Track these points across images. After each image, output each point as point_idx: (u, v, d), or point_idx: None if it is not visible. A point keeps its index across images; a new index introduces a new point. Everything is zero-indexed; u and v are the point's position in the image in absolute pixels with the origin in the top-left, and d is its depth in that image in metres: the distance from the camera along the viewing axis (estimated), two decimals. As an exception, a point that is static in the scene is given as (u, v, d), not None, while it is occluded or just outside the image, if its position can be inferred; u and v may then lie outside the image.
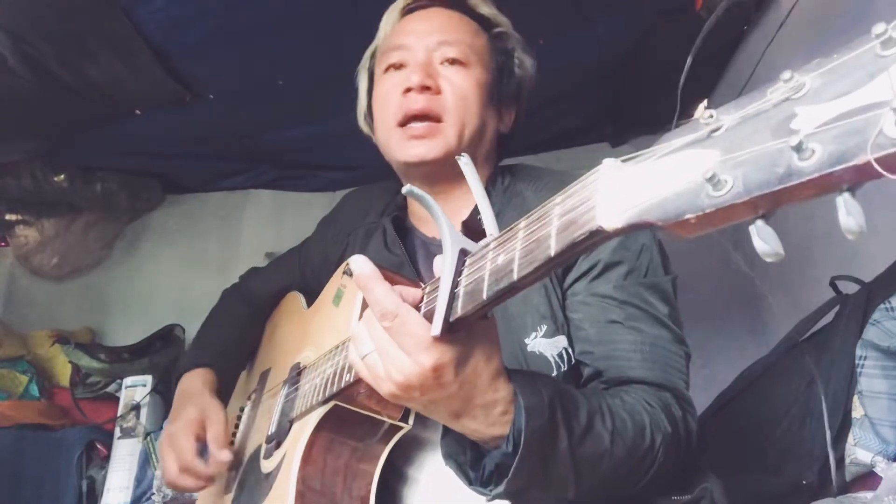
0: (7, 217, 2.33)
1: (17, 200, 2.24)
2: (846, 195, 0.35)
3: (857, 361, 1.18)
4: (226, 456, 1.06)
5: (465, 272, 0.62)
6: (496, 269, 0.57)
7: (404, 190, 0.67)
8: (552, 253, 0.51)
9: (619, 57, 1.87)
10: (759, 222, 0.38)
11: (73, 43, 1.47)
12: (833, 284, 1.31)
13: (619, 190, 0.46)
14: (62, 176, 2.17)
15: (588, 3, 1.60)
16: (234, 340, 1.33)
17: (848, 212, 0.35)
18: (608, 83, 2.04)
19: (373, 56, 1.17)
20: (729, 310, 2.16)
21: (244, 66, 1.67)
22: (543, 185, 1.07)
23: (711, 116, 0.42)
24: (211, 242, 2.65)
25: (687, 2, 1.64)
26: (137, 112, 1.78)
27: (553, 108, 2.03)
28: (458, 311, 0.60)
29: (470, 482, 0.73)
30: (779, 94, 0.38)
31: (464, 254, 0.63)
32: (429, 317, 0.64)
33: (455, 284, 0.61)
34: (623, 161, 0.48)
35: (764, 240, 0.38)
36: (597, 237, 0.47)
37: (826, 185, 0.35)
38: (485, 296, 0.57)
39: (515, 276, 0.54)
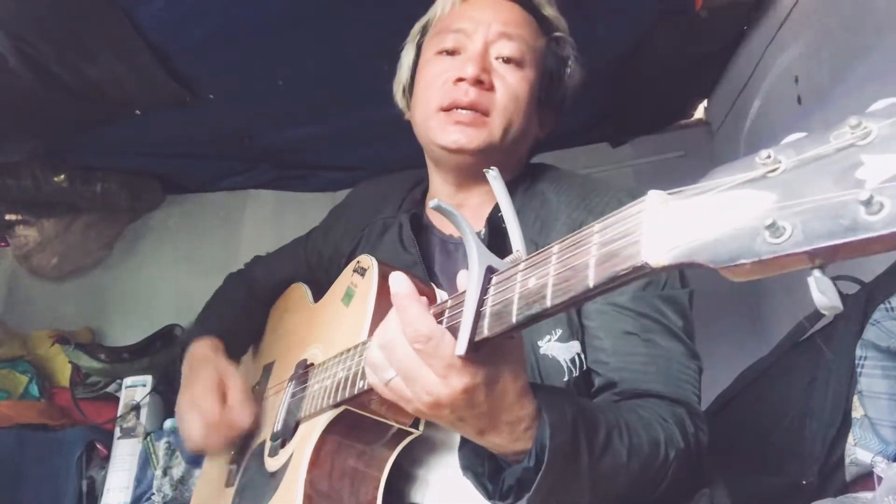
0: (7, 217, 2.33)
1: (17, 200, 2.24)
2: None
3: (857, 361, 1.18)
4: (249, 413, 1.06)
5: (491, 291, 0.61)
6: (527, 293, 0.56)
7: (431, 204, 0.66)
8: (591, 284, 0.49)
9: (619, 57, 1.87)
10: (817, 273, 0.37)
11: (73, 43, 1.47)
12: (833, 285, 1.31)
13: (666, 225, 0.44)
14: (62, 176, 2.17)
15: (588, 3, 1.60)
16: (236, 320, 1.33)
17: None
18: (608, 83, 2.04)
19: (423, 31, 1.13)
20: (729, 309, 2.16)
21: (244, 66, 1.67)
22: (564, 187, 1.06)
23: (769, 157, 0.40)
24: (211, 242, 2.65)
25: (687, 2, 1.64)
26: (137, 112, 1.78)
27: (553, 108, 2.03)
28: (485, 331, 0.59)
29: (489, 495, 0.73)
30: (843, 140, 0.37)
31: (490, 271, 0.62)
32: (452, 332, 0.63)
33: (481, 303, 0.60)
34: (670, 195, 0.46)
35: (823, 292, 0.37)
36: (640, 272, 0.46)
37: (893, 242, 0.34)
38: (514, 319, 0.56)
39: (548, 303, 0.53)
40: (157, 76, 1.60)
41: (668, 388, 0.86)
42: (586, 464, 0.70)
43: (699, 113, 2.45)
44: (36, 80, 1.52)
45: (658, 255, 0.44)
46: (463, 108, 0.99)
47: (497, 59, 1.02)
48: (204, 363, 1.14)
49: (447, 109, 1.01)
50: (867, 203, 0.34)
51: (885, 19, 1.23)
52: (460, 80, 0.99)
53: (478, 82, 0.99)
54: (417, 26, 1.15)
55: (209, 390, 1.07)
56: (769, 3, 1.73)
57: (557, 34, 1.10)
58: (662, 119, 2.44)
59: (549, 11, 1.09)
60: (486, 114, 1.00)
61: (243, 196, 2.64)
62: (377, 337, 0.69)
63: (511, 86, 1.01)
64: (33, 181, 2.12)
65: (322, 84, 1.79)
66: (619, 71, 1.95)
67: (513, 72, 1.02)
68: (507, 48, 1.02)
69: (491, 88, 1.00)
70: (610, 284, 0.49)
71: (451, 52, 1.04)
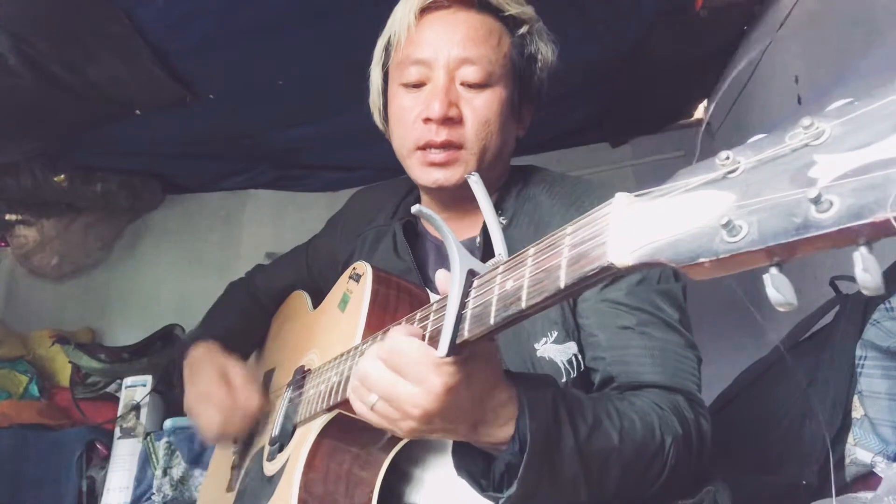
0: (7, 217, 2.33)
1: (17, 200, 2.24)
2: (863, 250, 0.34)
3: (857, 361, 1.18)
4: (257, 394, 1.09)
5: (472, 294, 0.62)
6: (504, 295, 0.57)
7: (413, 210, 0.67)
8: (561, 285, 0.51)
9: (619, 57, 1.87)
10: (774, 270, 0.38)
11: (73, 43, 1.47)
12: (833, 284, 1.31)
13: (631, 226, 0.46)
14: (62, 176, 2.17)
15: (588, 3, 1.60)
16: (237, 327, 1.33)
17: (864, 268, 0.34)
18: (608, 83, 2.05)
19: (386, 51, 1.10)
20: (729, 310, 2.16)
21: (244, 66, 1.67)
22: (557, 190, 1.05)
23: (728, 158, 0.41)
24: (211, 242, 2.65)
25: (687, 2, 1.64)
26: (137, 112, 1.78)
27: (553, 108, 2.03)
28: (465, 333, 0.61)
29: (482, 489, 0.73)
30: (798, 140, 0.38)
31: (472, 274, 0.63)
32: (434, 336, 0.65)
33: (462, 306, 0.62)
34: (636, 196, 0.47)
35: (777, 289, 0.38)
36: (607, 273, 0.48)
37: (843, 239, 0.35)
38: (492, 321, 0.58)
39: (524, 304, 0.55)
40: (157, 76, 1.60)
41: (666, 378, 0.86)
42: (573, 446, 0.70)
43: (699, 113, 2.46)
44: (36, 80, 1.52)
45: (623, 255, 0.46)
46: (436, 147, 0.99)
47: (462, 84, 1.00)
48: (203, 362, 1.15)
49: (422, 148, 1.00)
50: (816, 201, 0.35)
51: (885, 19, 1.23)
52: (429, 120, 0.98)
53: (446, 119, 0.97)
54: (379, 48, 1.11)
55: (215, 381, 1.09)
56: (769, 3, 1.73)
57: (522, 31, 1.05)
58: (662, 119, 2.44)
59: (512, 9, 1.03)
60: (460, 147, 0.99)
61: (243, 196, 2.64)
62: (353, 374, 0.71)
63: (479, 111, 0.99)
64: (33, 181, 2.12)
65: (322, 84, 1.79)
66: (619, 71, 1.95)
67: (479, 95, 0.99)
68: (470, 74, 0.99)
69: (460, 121, 0.99)
70: (580, 285, 0.50)
71: (416, 85, 1.02)
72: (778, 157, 0.39)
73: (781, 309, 0.39)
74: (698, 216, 0.41)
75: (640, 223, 0.45)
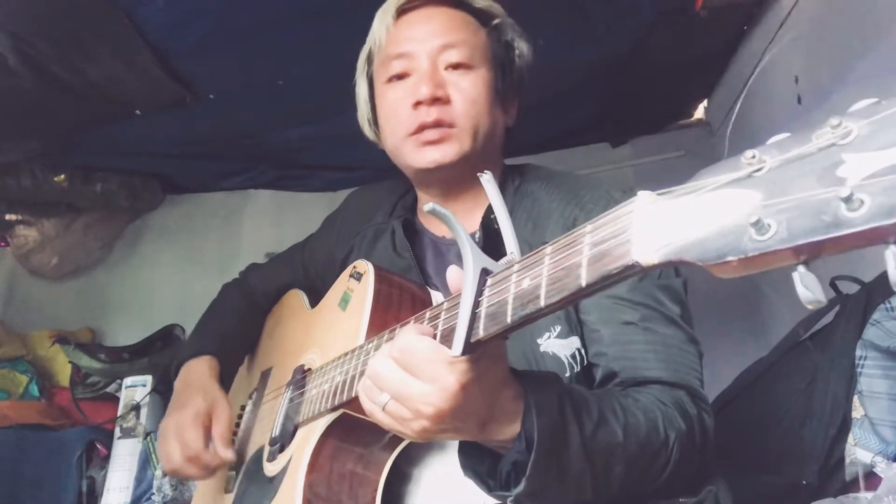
0: (7, 217, 2.33)
1: (17, 200, 2.24)
2: (894, 248, 0.34)
3: (857, 361, 1.18)
4: (229, 455, 1.06)
5: (486, 293, 0.62)
6: (521, 294, 0.57)
7: (426, 208, 0.67)
8: (583, 283, 0.51)
9: (619, 57, 1.87)
10: (802, 268, 0.38)
11: (73, 43, 1.47)
12: (833, 284, 1.31)
13: (656, 225, 0.46)
14: (62, 176, 2.17)
15: (588, 3, 1.60)
16: (234, 332, 1.33)
17: None
18: (608, 83, 2.04)
19: (369, 61, 1.14)
20: (729, 310, 2.17)
21: (244, 66, 1.67)
22: (555, 185, 1.07)
23: (754, 157, 0.41)
24: (211, 242, 2.65)
25: (687, 2, 1.64)
26: (137, 112, 1.78)
27: (553, 108, 2.03)
28: (480, 332, 0.60)
29: (490, 489, 0.74)
30: (824, 139, 0.38)
31: (485, 273, 0.63)
32: (446, 334, 0.64)
33: (476, 305, 0.61)
34: (659, 195, 0.47)
35: (807, 287, 0.38)
36: (631, 271, 0.47)
37: (874, 238, 0.35)
38: (509, 319, 0.58)
39: (542, 303, 0.54)
40: (157, 76, 1.60)
41: (668, 374, 0.87)
42: (579, 443, 0.71)
43: (699, 113, 2.45)
44: (36, 80, 1.52)
45: (648, 253, 0.45)
46: (429, 128, 1.01)
47: (446, 69, 1.03)
48: (196, 388, 1.14)
49: (415, 133, 1.02)
50: (848, 200, 0.35)
51: (885, 19, 1.23)
52: (418, 103, 1.01)
53: (435, 100, 1.00)
54: (362, 59, 1.16)
55: (196, 422, 1.07)
56: (769, 3, 1.73)
57: (495, 22, 1.10)
58: (662, 119, 2.44)
59: (482, 2, 1.09)
60: (451, 126, 1.01)
61: (243, 196, 2.64)
62: (367, 370, 0.71)
63: (466, 91, 1.02)
64: (33, 181, 2.12)
65: (322, 84, 1.78)
66: (619, 71, 1.95)
67: (464, 77, 1.03)
68: (454, 55, 1.03)
69: (448, 101, 1.02)
70: (602, 283, 0.50)
71: (401, 77, 1.05)
72: (804, 156, 0.39)
73: (810, 306, 0.39)
74: (725, 214, 0.41)
75: (664, 221, 0.45)
